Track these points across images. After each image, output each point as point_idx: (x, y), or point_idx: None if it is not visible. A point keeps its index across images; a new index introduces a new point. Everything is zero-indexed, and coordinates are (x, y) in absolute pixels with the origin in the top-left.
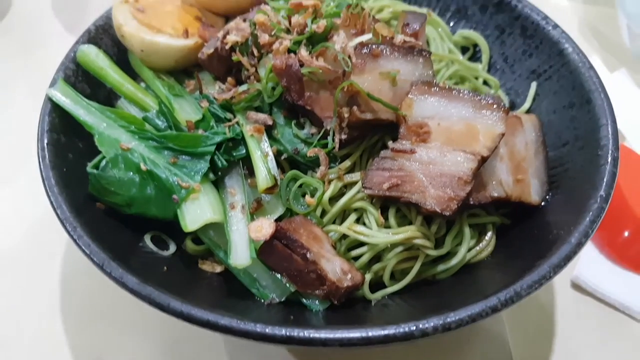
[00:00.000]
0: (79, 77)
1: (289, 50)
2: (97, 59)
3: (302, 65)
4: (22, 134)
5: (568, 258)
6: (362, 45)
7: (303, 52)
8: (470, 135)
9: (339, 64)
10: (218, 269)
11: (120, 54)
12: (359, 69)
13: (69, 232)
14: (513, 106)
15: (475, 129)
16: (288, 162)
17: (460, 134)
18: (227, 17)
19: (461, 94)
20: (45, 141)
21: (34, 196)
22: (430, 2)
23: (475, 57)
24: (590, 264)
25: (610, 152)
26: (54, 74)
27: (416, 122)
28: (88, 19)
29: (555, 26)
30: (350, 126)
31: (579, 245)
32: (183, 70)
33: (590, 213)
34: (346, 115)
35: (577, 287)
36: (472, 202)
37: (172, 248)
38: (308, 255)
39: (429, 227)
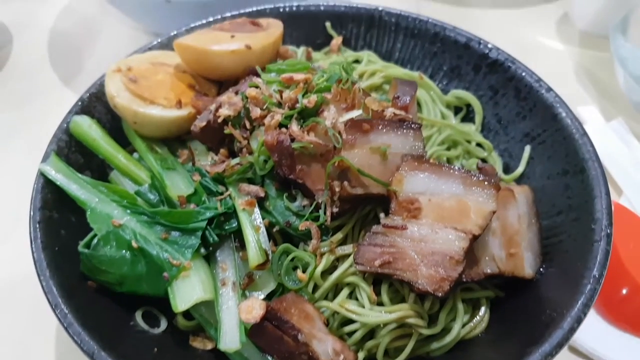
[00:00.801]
0: (72, 147)
1: (281, 124)
2: (89, 131)
3: (293, 139)
4: (18, 190)
5: (560, 345)
6: (352, 121)
7: (294, 127)
8: (462, 212)
9: (329, 138)
10: (209, 345)
11: (113, 120)
12: (349, 145)
13: (59, 319)
14: (507, 169)
15: (467, 206)
16: (280, 233)
17: (452, 211)
18: (221, 83)
19: (452, 171)
20: (37, 219)
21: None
22: (423, 62)
23: (468, 117)
24: (587, 325)
25: (603, 227)
26: (47, 146)
27: (407, 197)
28: (84, 71)
29: (549, 89)
30: (342, 199)
31: (572, 330)
32: (177, 137)
33: (583, 296)
34: (337, 189)
35: (574, 349)
36: (464, 279)
37: (163, 324)
38: (299, 337)
39: (422, 304)
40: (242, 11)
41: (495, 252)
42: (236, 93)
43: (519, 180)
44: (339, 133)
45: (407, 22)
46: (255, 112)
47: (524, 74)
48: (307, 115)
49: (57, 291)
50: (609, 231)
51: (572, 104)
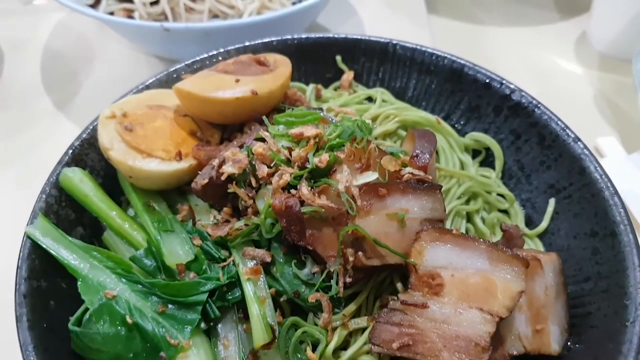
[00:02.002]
0: (62, 202)
1: (289, 185)
2: (81, 185)
3: (302, 202)
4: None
5: None
6: (367, 186)
7: (304, 189)
8: (488, 290)
9: (342, 200)
10: None
11: (108, 168)
12: (364, 212)
13: None
14: (529, 222)
15: (493, 284)
16: (288, 301)
17: (476, 288)
18: (224, 126)
19: (476, 243)
20: (24, 292)
21: None
22: (439, 99)
23: (487, 160)
24: None
25: (637, 306)
26: (34, 203)
27: (428, 271)
28: (80, 95)
29: (577, 139)
30: (356, 268)
31: None
32: (177, 188)
33: None
34: (351, 258)
35: None
36: None
37: None
38: None
39: None
40: (247, 44)
41: (521, 330)
42: (240, 146)
43: (542, 237)
44: (353, 198)
45: (423, 57)
46: (262, 170)
47: (549, 120)
48: (318, 175)
49: None
50: None
51: (591, 133)
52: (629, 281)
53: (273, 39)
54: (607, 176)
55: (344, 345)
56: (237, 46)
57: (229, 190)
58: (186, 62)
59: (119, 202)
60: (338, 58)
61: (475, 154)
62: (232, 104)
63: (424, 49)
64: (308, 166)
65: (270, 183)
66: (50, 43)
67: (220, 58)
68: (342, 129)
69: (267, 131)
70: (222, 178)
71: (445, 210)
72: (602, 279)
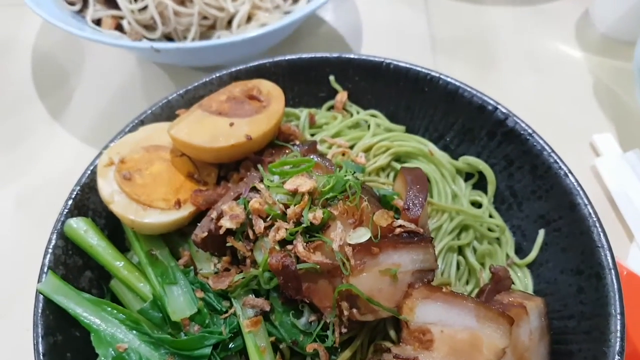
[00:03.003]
0: (68, 251)
1: (285, 240)
2: (86, 237)
3: (298, 258)
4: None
5: None
6: (360, 246)
7: (300, 247)
8: (474, 346)
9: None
10: None
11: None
12: (357, 270)
13: None
14: (519, 249)
15: (480, 340)
16: (288, 347)
17: (464, 344)
18: (221, 165)
19: (465, 301)
20: (42, 352)
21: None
22: (433, 119)
23: (480, 183)
24: None
25: (616, 356)
26: (42, 258)
27: (418, 327)
28: (74, 100)
29: (568, 173)
30: (350, 321)
31: None
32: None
33: None
34: (346, 312)
35: None
36: None
37: None
38: None
39: None
40: (241, 67)
41: None
42: (237, 198)
43: (531, 266)
44: (347, 257)
45: (417, 77)
46: (259, 226)
47: (542, 151)
48: (312, 230)
49: None
50: (619, 358)
51: (588, 124)
52: (609, 328)
53: (265, 61)
54: (596, 214)
55: None
56: (230, 71)
57: (227, 244)
58: (179, 92)
59: (124, 239)
60: (331, 78)
61: (468, 176)
62: (228, 150)
63: (417, 68)
64: (303, 222)
65: (267, 235)
66: (39, 43)
67: (214, 84)
68: (336, 181)
69: (262, 179)
70: (221, 232)
71: (436, 260)
72: (585, 319)
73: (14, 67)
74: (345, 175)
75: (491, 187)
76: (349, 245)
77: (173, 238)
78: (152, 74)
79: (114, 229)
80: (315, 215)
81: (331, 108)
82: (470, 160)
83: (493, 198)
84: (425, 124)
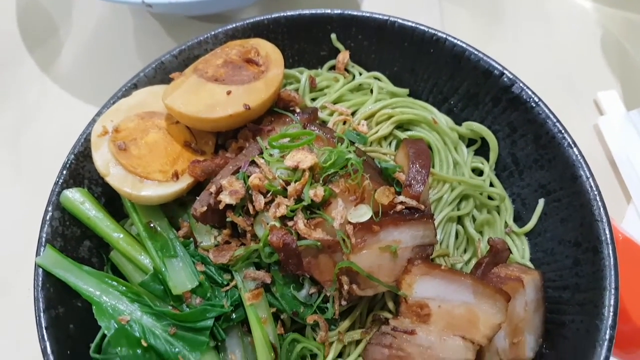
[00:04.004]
0: (66, 222)
1: (286, 216)
2: (83, 208)
3: (298, 235)
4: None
5: None
6: (361, 225)
7: (300, 224)
8: (471, 321)
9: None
10: None
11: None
12: (358, 248)
13: None
14: (518, 217)
15: (476, 316)
16: (289, 317)
17: (461, 319)
18: (218, 133)
19: (463, 278)
20: (45, 325)
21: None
22: (437, 82)
23: (482, 149)
24: None
25: (608, 328)
26: (39, 231)
27: (416, 301)
28: (64, 53)
29: (572, 145)
30: (350, 294)
31: None
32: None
33: None
34: (346, 286)
35: None
36: None
37: None
38: None
39: None
40: (237, 25)
41: (500, 345)
42: (236, 172)
43: (529, 234)
44: (347, 236)
45: (423, 38)
46: (259, 201)
47: (546, 120)
48: (313, 207)
49: None
50: (611, 333)
51: (594, 81)
52: (603, 302)
53: (264, 17)
54: (597, 188)
55: (339, 355)
56: (226, 29)
57: (227, 219)
58: (173, 53)
59: (121, 205)
60: (333, 36)
61: (470, 142)
62: (226, 120)
63: (423, 28)
64: (304, 199)
65: (268, 211)
66: None
67: (209, 43)
68: (337, 156)
69: (262, 153)
70: (220, 206)
71: (436, 235)
72: (579, 292)
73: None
74: (347, 150)
75: (493, 154)
76: (350, 223)
77: (172, 208)
78: (145, 24)
79: (110, 197)
80: (316, 193)
81: (332, 68)
82: (473, 126)
83: (495, 165)
84: (430, 87)
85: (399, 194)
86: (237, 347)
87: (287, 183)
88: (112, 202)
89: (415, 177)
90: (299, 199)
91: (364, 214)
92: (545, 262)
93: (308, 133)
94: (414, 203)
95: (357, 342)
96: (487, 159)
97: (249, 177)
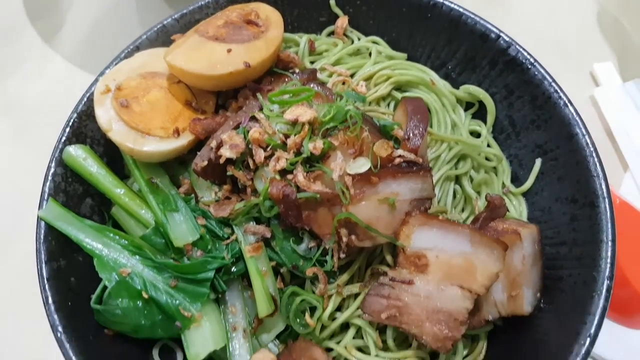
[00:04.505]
0: (68, 178)
1: (285, 170)
2: (85, 164)
3: (298, 187)
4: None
5: None
6: (360, 176)
7: (300, 177)
8: (468, 271)
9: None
10: None
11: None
12: (357, 199)
13: None
14: (515, 178)
15: (473, 265)
16: (288, 271)
17: (459, 269)
18: (219, 92)
19: (461, 228)
20: (46, 276)
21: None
22: (435, 47)
23: (479, 112)
24: None
25: (605, 279)
26: (42, 185)
27: (415, 252)
28: (66, 25)
29: (568, 104)
30: (349, 247)
31: None
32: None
33: (578, 358)
34: (345, 238)
35: None
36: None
37: (180, 358)
38: None
39: (425, 346)
40: None
41: (497, 297)
42: (236, 127)
43: (526, 194)
44: (346, 187)
45: (421, 3)
46: (259, 155)
47: (543, 80)
48: (313, 160)
49: (77, 358)
50: (609, 283)
51: (589, 56)
52: (600, 254)
53: None
54: (593, 145)
55: (338, 308)
56: None
57: (227, 174)
58: (174, 16)
59: (123, 165)
60: (332, 1)
61: (468, 105)
62: (226, 77)
63: None
64: (303, 152)
65: (268, 165)
66: None
67: (210, 7)
68: (336, 111)
69: (262, 109)
70: (221, 161)
71: (433, 189)
72: (576, 246)
73: None
74: (346, 105)
75: (490, 117)
76: (349, 175)
77: (173, 166)
78: None
79: (112, 157)
80: (316, 146)
81: (331, 34)
82: (471, 89)
83: (492, 127)
84: (427, 52)
85: (397, 149)
86: (238, 299)
87: (287, 137)
88: (113, 162)
89: (414, 130)
90: (298, 152)
91: (362, 165)
92: (542, 221)
93: (307, 89)
94: (412, 156)
95: (356, 296)
96: (485, 122)
97: (249, 131)
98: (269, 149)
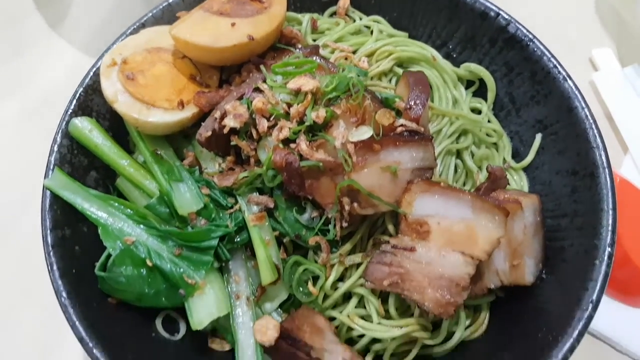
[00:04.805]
0: (74, 150)
1: (288, 139)
2: (91, 136)
3: (301, 156)
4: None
5: None
6: (362, 143)
7: (303, 145)
8: (470, 237)
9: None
10: (227, 347)
11: (114, 112)
12: (359, 166)
13: (88, 353)
14: (516, 154)
15: (475, 231)
16: (291, 240)
17: (460, 235)
18: (223, 68)
19: (462, 194)
20: (51, 243)
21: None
22: (436, 27)
23: (480, 91)
24: None
25: (606, 246)
26: (48, 155)
27: (416, 219)
28: (71, 14)
29: (567, 78)
30: (351, 215)
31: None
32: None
33: (580, 324)
34: (347, 206)
35: None
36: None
37: (183, 329)
38: (311, 353)
39: (427, 315)
40: None
41: (499, 266)
42: (240, 98)
43: (527, 169)
44: (349, 154)
45: None
46: (262, 125)
47: (542, 55)
48: (315, 129)
49: (80, 323)
50: (610, 250)
51: (588, 43)
52: (601, 223)
53: None
54: (592, 117)
55: (340, 278)
56: None
57: (231, 143)
58: None
59: (128, 141)
60: None
61: (469, 84)
62: (230, 50)
63: None
64: (306, 121)
65: (271, 135)
66: None
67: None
68: (339, 81)
69: (265, 81)
70: (225, 131)
71: (435, 159)
72: (577, 216)
73: None
74: (349, 74)
75: (491, 94)
76: (351, 142)
77: (177, 139)
78: None
79: (117, 132)
80: (318, 114)
81: (333, 14)
82: (471, 67)
83: (492, 105)
84: (428, 32)
85: (399, 119)
86: (241, 269)
87: (290, 106)
88: (118, 137)
89: (415, 100)
90: (301, 122)
91: (364, 132)
92: (543, 194)
93: (310, 61)
94: (414, 125)
95: (358, 266)
96: (485, 100)
97: (252, 102)
98: (272, 118)
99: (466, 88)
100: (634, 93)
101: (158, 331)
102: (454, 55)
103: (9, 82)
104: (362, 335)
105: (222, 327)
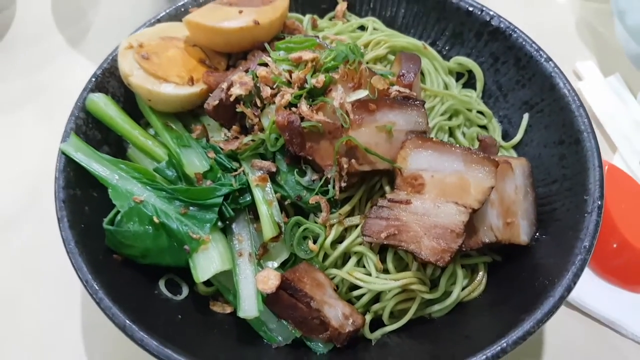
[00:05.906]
0: (89, 124)
1: (290, 103)
2: (106, 109)
3: (302, 118)
4: (33, 158)
5: (551, 312)
6: (359, 102)
7: (304, 107)
8: (462, 187)
9: (337, 116)
10: (228, 309)
11: (127, 94)
12: (356, 125)
13: (91, 295)
14: (506, 135)
15: (467, 182)
16: (292, 205)
17: (453, 186)
18: (230, 55)
19: (453, 148)
20: (62, 198)
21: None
22: (426, 27)
23: (469, 82)
24: None
25: (595, 199)
26: (66, 125)
27: (411, 173)
28: (91, 32)
29: (548, 59)
30: (350, 174)
31: (562, 298)
32: (190, 111)
33: (574, 266)
34: (345, 165)
35: (565, 302)
36: (464, 249)
37: (185, 291)
38: (312, 304)
39: (425, 271)
40: None
41: (493, 222)
42: (246, 71)
43: (517, 148)
44: (347, 113)
45: None
46: (266, 91)
47: (524, 43)
48: (315, 95)
49: (87, 268)
50: (599, 203)
51: (571, 58)
52: (589, 179)
53: None
54: (574, 91)
55: (340, 239)
56: None
57: (237, 110)
58: None
59: (139, 124)
60: None
61: (459, 76)
62: (237, 33)
63: None
64: (307, 86)
65: (274, 103)
66: None
67: None
68: (337, 53)
69: (269, 56)
70: (231, 99)
71: (428, 124)
72: (566, 180)
73: (35, 2)
74: (346, 47)
75: (479, 84)
76: (349, 103)
77: (186, 117)
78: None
79: (130, 113)
80: (318, 79)
81: (332, 19)
82: (461, 60)
83: (482, 94)
84: (420, 32)
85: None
86: (244, 229)
87: (292, 74)
88: (131, 116)
89: (407, 69)
90: (302, 88)
91: (361, 93)
92: (534, 166)
93: (311, 40)
94: (407, 91)
95: (357, 227)
96: (475, 90)
97: (257, 74)
98: (275, 86)
99: (456, 80)
100: (617, 99)
101: (161, 290)
102: (444, 52)
103: (29, 91)
104: (360, 297)
105: (224, 288)
